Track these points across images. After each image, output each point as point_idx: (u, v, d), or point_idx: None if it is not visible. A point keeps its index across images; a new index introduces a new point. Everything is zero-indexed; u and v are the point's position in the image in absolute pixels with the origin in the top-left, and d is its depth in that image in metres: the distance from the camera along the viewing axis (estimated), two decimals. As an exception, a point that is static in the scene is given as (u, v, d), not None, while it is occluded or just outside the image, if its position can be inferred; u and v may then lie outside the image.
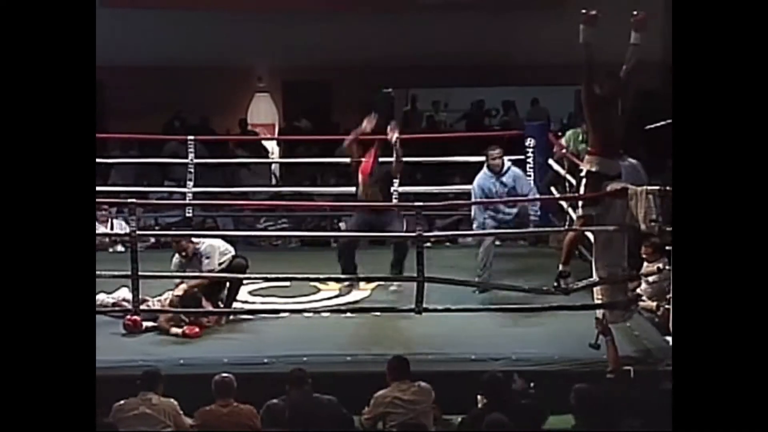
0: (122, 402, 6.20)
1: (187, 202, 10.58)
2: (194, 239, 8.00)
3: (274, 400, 6.13)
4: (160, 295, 7.97)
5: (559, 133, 10.65)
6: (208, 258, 7.88)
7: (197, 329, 7.62)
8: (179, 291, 7.72)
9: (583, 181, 7.07)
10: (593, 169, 6.98)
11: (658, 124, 6.86)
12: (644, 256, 8.02)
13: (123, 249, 9.95)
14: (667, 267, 6.50)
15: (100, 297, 7.91)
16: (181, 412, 6.27)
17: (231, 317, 7.95)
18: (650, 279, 7.85)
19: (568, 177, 9.24)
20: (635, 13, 6.91)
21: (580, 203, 7.17)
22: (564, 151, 9.60)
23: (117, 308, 7.81)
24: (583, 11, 6.86)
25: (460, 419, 6.25)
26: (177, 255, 8.01)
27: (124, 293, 7.83)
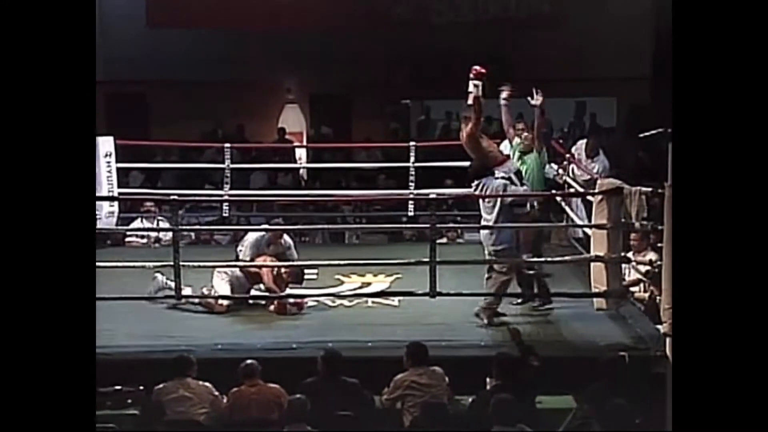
0: (161, 386, 6.16)
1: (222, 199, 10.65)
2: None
3: (309, 379, 6.12)
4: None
5: (560, 141, 10.69)
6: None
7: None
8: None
9: None
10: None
11: (650, 132, 6.80)
12: (633, 243, 8.08)
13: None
14: (658, 261, 6.45)
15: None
16: (217, 393, 6.24)
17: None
18: (642, 271, 7.82)
19: (568, 180, 9.38)
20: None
21: None
22: (568, 156, 9.74)
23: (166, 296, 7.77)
24: (475, 67, 7.06)
25: (470, 399, 6.23)
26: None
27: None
